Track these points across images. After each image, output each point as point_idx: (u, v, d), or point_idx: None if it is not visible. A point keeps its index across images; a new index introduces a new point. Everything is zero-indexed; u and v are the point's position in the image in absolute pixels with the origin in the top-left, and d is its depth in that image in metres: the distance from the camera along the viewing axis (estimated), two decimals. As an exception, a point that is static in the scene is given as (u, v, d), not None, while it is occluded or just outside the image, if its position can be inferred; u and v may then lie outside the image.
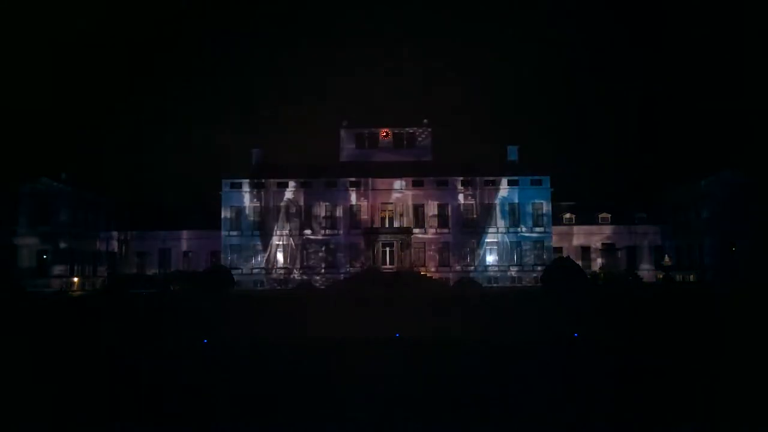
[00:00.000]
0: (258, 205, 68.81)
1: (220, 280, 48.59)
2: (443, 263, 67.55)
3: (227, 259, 67.08)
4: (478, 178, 68.87)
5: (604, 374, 11.10)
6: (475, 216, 68.56)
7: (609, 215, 72.10)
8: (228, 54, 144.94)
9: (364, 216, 68.36)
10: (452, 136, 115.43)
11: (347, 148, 74.85)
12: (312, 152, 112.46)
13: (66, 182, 68.14)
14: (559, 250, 68.70)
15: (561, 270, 44.39)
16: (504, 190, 68.70)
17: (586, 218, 71.83)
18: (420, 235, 67.48)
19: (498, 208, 68.47)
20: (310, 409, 8.54)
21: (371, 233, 65.56)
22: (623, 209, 73.05)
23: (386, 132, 75.04)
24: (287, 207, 68.74)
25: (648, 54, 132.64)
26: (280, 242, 68.25)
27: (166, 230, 71.20)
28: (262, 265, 67.96)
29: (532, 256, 67.83)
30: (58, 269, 65.24)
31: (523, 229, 68.24)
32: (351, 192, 68.60)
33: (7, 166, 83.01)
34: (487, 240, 68.23)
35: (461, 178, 68.88)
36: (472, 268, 67.04)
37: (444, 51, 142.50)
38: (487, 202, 68.52)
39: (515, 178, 69.19)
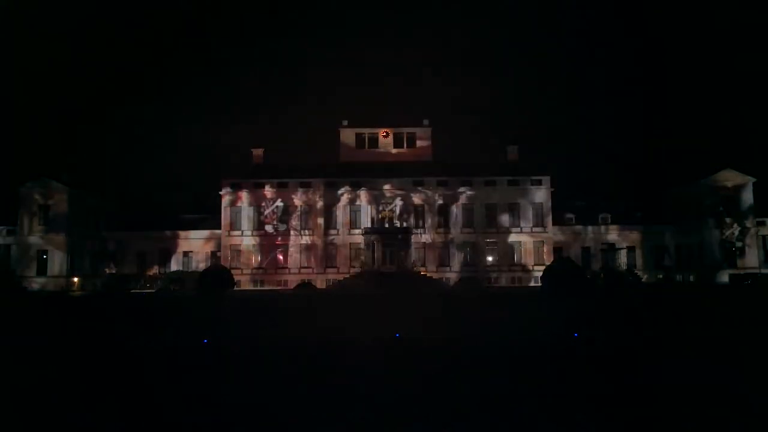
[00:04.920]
0: (258, 205, 68.84)
1: (220, 280, 48.58)
2: (443, 263, 67.56)
3: (227, 259, 67.09)
4: (478, 178, 68.90)
5: (603, 374, 11.09)
6: (475, 216, 68.58)
7: (609, 215, 72.03)
8: (228, 54, 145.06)
9: (364, 216, 68.37)
10: (452, 136, 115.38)
11: (347, 148, 74.85)
12: (312, 152, 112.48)
13: (66, 182, 68.15)
14: (559, 250, 68.67)
15: (561, 270, 44.36)
16: (504, 190, 68.71)
17: (586, 218, 71.77)
18: (420, 235, 67.49)
19: (498, 208, 68.49)
20: (310, 410, 8.53)
21: (371, 233, 65.57)
22: (623, 209, 72.98)
23: (386, 132, 75.04)
24: (287, 207, 68.76)
25: (649, 54, 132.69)
26: (280, 242, 68.27)
27: (166, 230, 71.21)
28: (262, 265, 67.97)
29: (532, 256, 67.84)
30: (57, 269, 65.26)
31: (523, 229, 68.26)
32: (351, 192, 68.59)
33: (7, 166, 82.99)
34: (487, 240, 68.24)
35: (461, 178, 68.89)
36: (472, 268, 67.01)
37: (444, 50, 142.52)
38: (487, 202, 68.53)
39: (515, 178, 69.21)
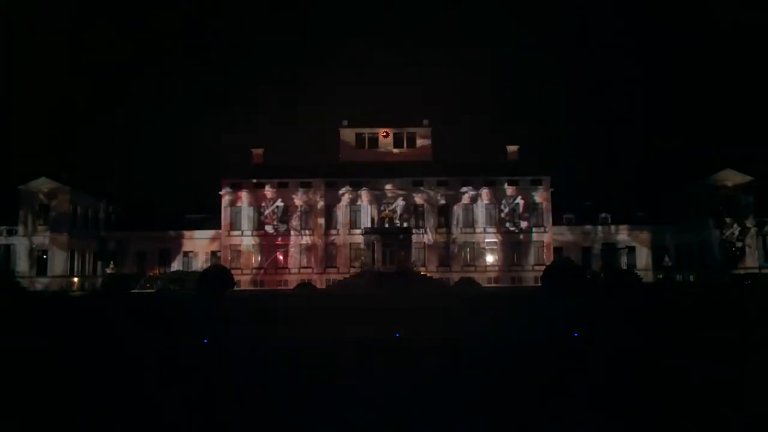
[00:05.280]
0: (258, 205, 68.81)
1: (220, 280, 48.56)
2: (443, 263, 67.53)
3: (227, 259, 67.06)
4: (477, 178, 68.86)
5: (603, 374, 11.09)
6: (474, 216, 68.56)
7: (609, 215, 72.01)
8: (228, 54, 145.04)
9: (364, 216, 68.34)
10: (452, 136, 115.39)
11: (347, 148, 74.84)
12: (312, 152, 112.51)
13: (66, 182, 68.12)
14: (559, 250, 68.66)
15: (561, 270, 44.37)
16: (504, 190, 68.68)
17: (586, 218, 71.74)
18: (420, 235, 67.46)
19: (497, 208, 68.46)
20: (310, 410, 8.53)
21: (371, 233, 65.55)
22: (623, 209, 72.96)
23: (386, 132, 75.01)
24: (287, 207, 68.74)
25: (649, 54, 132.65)
26: (281, 242, 68.24)
27: (166, 230, 71.18)
28: (263, 265, 67.94)
29: (532, 256, 67.82)
30: (58, 269, 65.23)
31: (523, 229, 68.22)
32: (351, 192, 68.56)
33: (7, 166, 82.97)
34: (487, 240, 68.21)
35: (461, 178, 68.86)
36: (472, 268, 66.98)
37: (445, 51, 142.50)
38: (486, 202, 68.51)
39: (515, 178, 69.16)
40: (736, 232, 65.03)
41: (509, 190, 68.68)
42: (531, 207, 68.52)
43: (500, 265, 67.69)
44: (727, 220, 65.36)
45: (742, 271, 62.45)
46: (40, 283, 63.63)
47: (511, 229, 68.13)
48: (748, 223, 65.34)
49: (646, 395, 9.15)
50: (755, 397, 9.05)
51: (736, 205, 65.89)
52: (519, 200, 68.47)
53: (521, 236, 68.08)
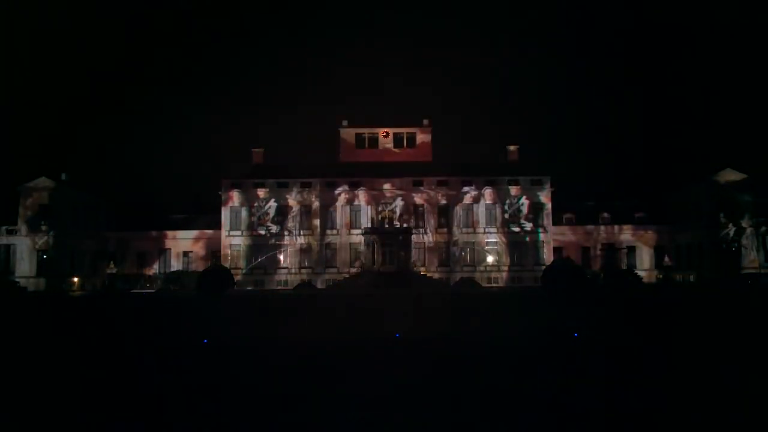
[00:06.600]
0: (258, 205, 68.76)
1: (220, 280, 48.54)
2: (443, 263, 67.50)
3: (227, 258, 67.03)
4: (477, 178, 68.83)
5: (603, 374, 11.09)
6: (474, 216, 68.54)
7: (609, 215, 71.99)
8: (228, 54, 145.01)
9: (364, 216, 68.31)
10: (452, 136, 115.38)
11: (347, 148, 74.81)
12: (312, 152, 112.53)
13: (66, 182, 68.08)
14: (559, 250, 68.62)
15: (561, 270, 44.37)
16: (504, 190, 68.65)
17: (586, 218, 71.71)
18: (420, 235, 67.43)
19: (498, 208, 68.43)
20: (310, 410, 8.53)
21: (371, 233, 65.53)
22: (623, 209, 72.95)
23: (386, 132, 75.00)
24: (287, 207, 68.70)
25: (649, 53, 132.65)
26: (280, 242, 68.20)
27: (166, 230, 71.15)
28: (262, 265, 67.90)
29: (532, 256, 67.78)
30: (57, 269, 65.17)
31: (524, 229, 68.20)
32: (351, 192, 68.52)
33: (7, 166, 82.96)
34: (487, 240, 68.17)
35: (461, 178, 68.83)
36: (472, 268, 66.96)
37: (444, 51, 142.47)
38: (486, 202, 68.47)
39: (515, 178, 69.13)
40: (732, 233, 65.03)
41: (510, 190, 68.66)
42: (531, 207, 68.48)
43: (500, 265, 67.66)
44: (723, 219, 65.32)
45: (742, 271, 62.42)
46: (40, 283, 63.60)
47: (513, 229, 68.10)
48: (744, 223, 65.32)
49: (646, 395, 9.15)
50: (756, 398, 9.05)
51: (736, 205, 65.85)
52: (519, 200, 68.44)
53: (522, 236, 68.04)
